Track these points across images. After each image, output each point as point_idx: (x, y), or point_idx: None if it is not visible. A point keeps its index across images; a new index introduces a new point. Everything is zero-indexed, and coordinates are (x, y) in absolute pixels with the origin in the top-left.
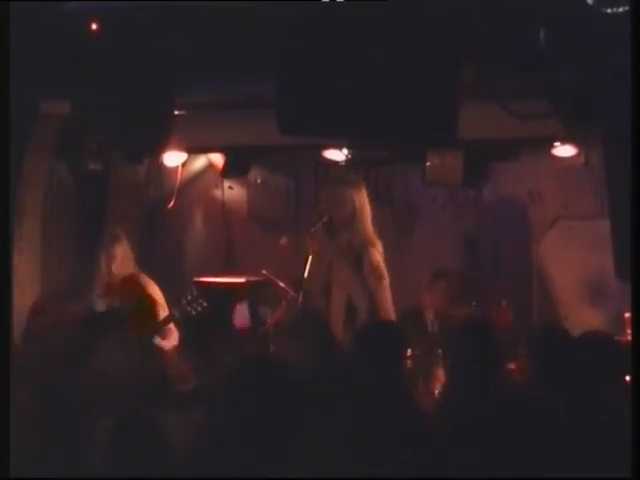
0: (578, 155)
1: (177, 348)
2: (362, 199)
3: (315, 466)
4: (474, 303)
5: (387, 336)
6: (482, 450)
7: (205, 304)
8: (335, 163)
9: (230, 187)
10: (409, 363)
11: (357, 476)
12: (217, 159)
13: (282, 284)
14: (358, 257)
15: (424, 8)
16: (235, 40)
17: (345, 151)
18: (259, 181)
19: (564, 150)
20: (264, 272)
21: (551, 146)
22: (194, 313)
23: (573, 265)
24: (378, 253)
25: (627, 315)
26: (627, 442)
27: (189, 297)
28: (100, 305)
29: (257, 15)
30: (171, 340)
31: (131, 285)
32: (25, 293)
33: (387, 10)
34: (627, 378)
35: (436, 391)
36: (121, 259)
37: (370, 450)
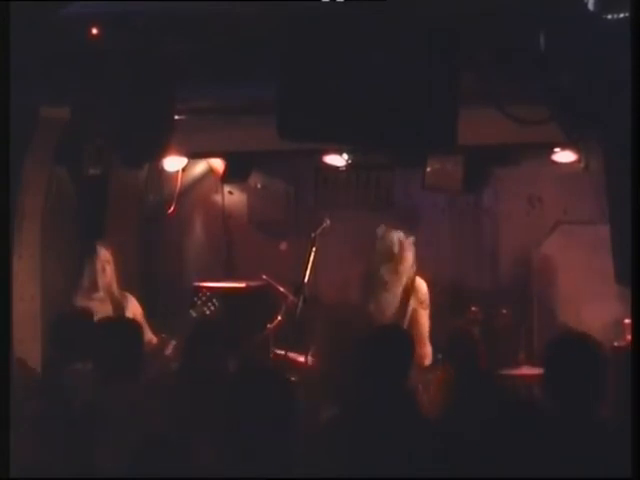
0: (578, 160)
1: None
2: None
3: (316, 467)
4: (474, 308)
5: (393, 341)
6: (483, 455)
7: (217, 304)
8: (335, 168)
9: (230, 192)
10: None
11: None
12: (217, 164)
13: (282, 289)
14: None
15: (424, 11)
16: (235, 44)
17: (345, 156)
18: (259, 186)
19: (564, 155)
20: (264, 277)
21: (551, 151)
22: (208, 312)
23: (573, 270)
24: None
25: (627, 321)
26: (627, 443)
27: (203, 298)
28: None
29: (257, 19)
30: None
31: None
32: (24, 298)
33: (387, 15)
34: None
35: (437, 396)
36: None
37: (372, 454)
